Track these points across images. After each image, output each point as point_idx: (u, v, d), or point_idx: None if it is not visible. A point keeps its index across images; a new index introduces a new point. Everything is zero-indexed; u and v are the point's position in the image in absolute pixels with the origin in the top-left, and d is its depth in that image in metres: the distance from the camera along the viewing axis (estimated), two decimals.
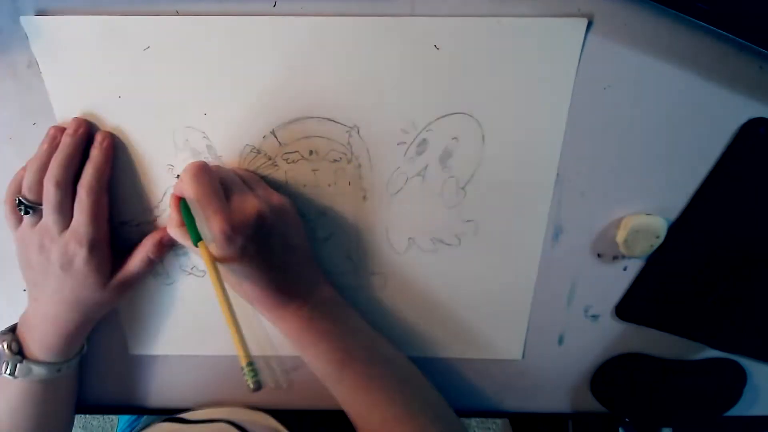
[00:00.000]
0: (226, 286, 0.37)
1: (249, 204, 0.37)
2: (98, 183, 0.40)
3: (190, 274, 0.46)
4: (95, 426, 1.45)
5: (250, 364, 0.34)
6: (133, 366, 0.52)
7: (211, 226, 0.36)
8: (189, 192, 0.36)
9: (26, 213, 0.40)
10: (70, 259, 0.40)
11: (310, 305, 0.42)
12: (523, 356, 0.50)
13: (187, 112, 0.40)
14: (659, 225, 0.42)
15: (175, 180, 0.42)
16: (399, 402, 0.42)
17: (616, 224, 0.44)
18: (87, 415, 1.45)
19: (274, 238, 0.39)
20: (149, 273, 0.45)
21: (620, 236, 0.43)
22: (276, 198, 0.40)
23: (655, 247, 0.43)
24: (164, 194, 0.43)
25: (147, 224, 0.44)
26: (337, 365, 0.42)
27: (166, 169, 0.42)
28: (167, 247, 0.44)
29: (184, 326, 0.49)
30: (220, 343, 0.50)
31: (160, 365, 0.52)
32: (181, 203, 0.39)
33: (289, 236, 0.40)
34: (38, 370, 0.43)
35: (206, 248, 0.36)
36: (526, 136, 0.40)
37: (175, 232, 0.40)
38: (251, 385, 0.33)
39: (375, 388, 0.42)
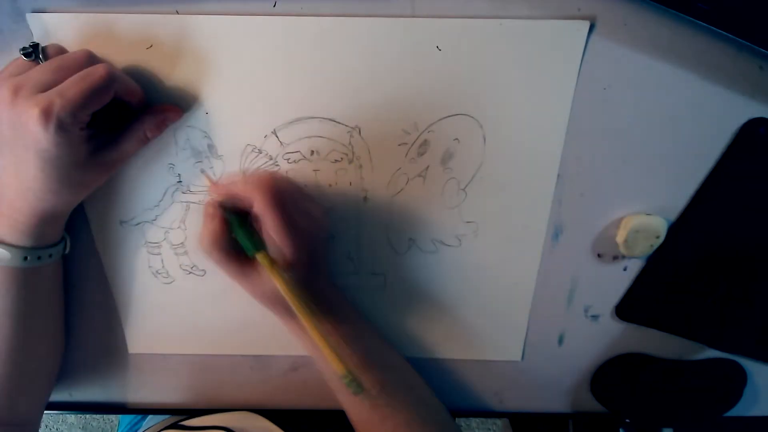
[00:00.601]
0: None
1: (319, 228, 0.40)
2: (116, 79, 0.34)
3: (190, 273, 0.46)
4: (95, 426, 1.45)
5: (350, 373, 0.36)
6: (133, 365, 0.52)
7: (296, 256, 0.37)
8: (270, 218, 0.36)
9: (27, 55, 0.35)
10: (47, 114, 0.32)
11: (326, 309, 0.42)
12: (523, 357, 0.50)
13: (189, 111, 0.40)
14: (659, 225, 0.42)
15: (176, 179, 0.42)
16: (410, 410, 0.42)
17: (616, 224, 0.44)
18: (87, 416, 1.45)
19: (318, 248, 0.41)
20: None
21: (620, 236, 0.43)
22: (321, 210, 0.42)
23: (655, 247, 0.43)
24: (164, 193, 0.43)
25: (147, 223, 0.44)
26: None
27: (167, 168, 0.42)
28: (169, 124, 0.39)
29: (183, 325, 0.49)
30: (220, 343, 0.50)
31: (160, 364, 0.52)
32: (231, 218, 0.38)
33: (324, 246, 0.42)
34: (2, 253, 0.38)
35: (269, 259, 0.37)
36: (527, 137, 0.40)
37: (213, 248, 0.38)
38: (353, 391, 0.37)
39: (389, 393, 0.42)
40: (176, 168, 0.42)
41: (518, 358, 0.50)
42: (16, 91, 0.33)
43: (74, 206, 0.40)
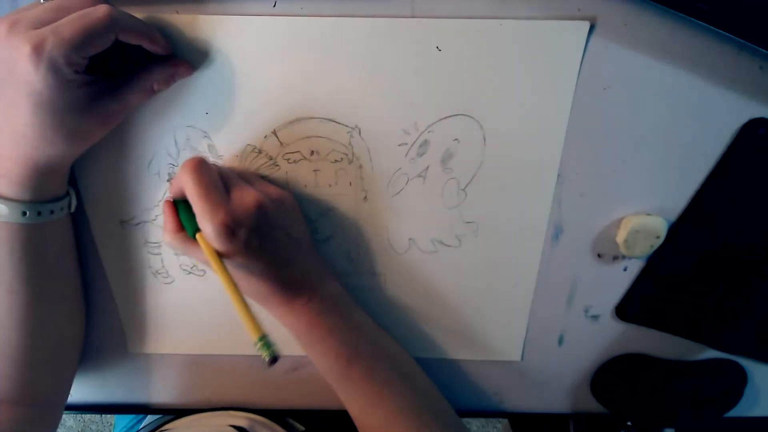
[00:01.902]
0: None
1: (249, 196, 0.37)
2: (119, 23, 0.32)
3: (189, 273, 0.46)
4: (94, 430, 1.45)
5: (263, 337, 0.33)
6: (133, 365, 0.52)
7: (212, 219, 0.34)
8: (188, 186, 0.35)
9: None
10: (39, 51, 0.30)
11: (317, 299, 0.42)
12: (523, 358, 0.50)
13: (189, 111, 0.40)
14: (659, 225, 0.42)
15: (173, 177, 0.42)
16: (403, 397, 0.42)
17: (617, 224, 0.44)
18: (86, 418, 1.44)
19: (276, 230, 0.38)
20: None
21: (620, 236, 0.43)
22: (275, 190, 0.40)
23: (655, 248, 0.43)
24: (164, 193, 0.43)
25: (147, 223, 0.44)
26: (345, 361, 0.42)
27: (167, 168, 0.42)
28: (178, 80, 0.38)
29: (183, 325, 0.49)
30: (220, 343, 0.50)
31: (159, 364, 0.52)
32: (178, 206, 0.39)
33: (291, 228, 0.40)
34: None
35: (204, 239, 0.36)
36: (527, 137, 0.40)
37: (172, 238, 0.38)
38: (266, 358, 0.33)
39: (381, 382, 0.42)
40: (176, 168, 0.42)
41: (518, 358, 0.50)
42: (11, 27, 0.31)
43: (73, 159, 0.38)
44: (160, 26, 0.37)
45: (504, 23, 0.37)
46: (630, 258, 0.45)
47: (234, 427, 0.49)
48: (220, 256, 0.36)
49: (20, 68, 0.31)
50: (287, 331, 0.43)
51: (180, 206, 0.38)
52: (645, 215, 0.43)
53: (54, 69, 0.31)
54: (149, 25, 0.35)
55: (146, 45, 0.35)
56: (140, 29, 0.34)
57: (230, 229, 0.35)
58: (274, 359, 0.33)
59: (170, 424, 0.53)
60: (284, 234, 0.39)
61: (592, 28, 0.37)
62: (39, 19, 0.31)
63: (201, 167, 0.36)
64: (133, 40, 0.34)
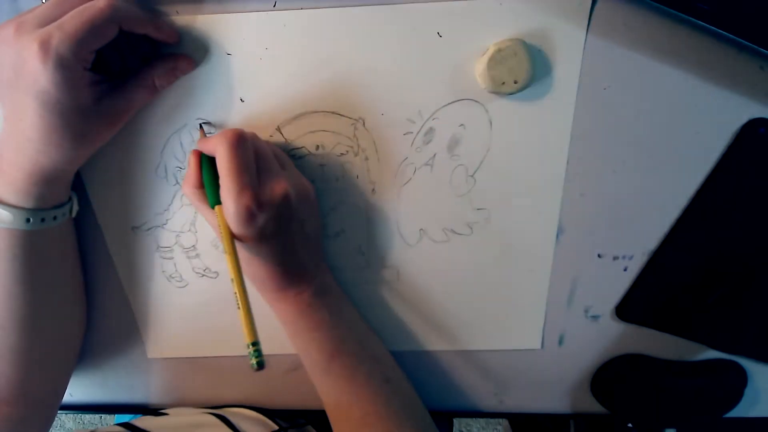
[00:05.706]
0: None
1: (278, 185, 0.34)
2: (121, 12, 0.31)
3: (203, 276, 0.44)
4: None
5: (255, 343, 0.31)
6: (133, 365, 0.50)
7: (237, 201, 0.32)
8: (222, 160, 0.33)
9: None
10: (45, 48, 0.29)
11: (310, 292, 0.40)
12: (542, 345, 0.47)
13: (192, 113, 0.38)
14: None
15: (180, 180, 0.41)
16: (381, 399, 0.40)
17: (618, 224, 0.42)
18: (86, 420, 1.41)
19: (294, 222, 0.36)
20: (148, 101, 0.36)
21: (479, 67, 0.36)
22: (302, 182, 0.37)
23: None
24: (173, 196, 0.41)
25: (159, 228, 0.42)
26: (327, 355, 0.40)
27: (175, 171, 0.40)
28: (180, 75, 0.36)
29: (198, 328, 0.47)
30: (233, 345, 0.48)
31: (160, 364, 0.50)
32: (203, 162, 0.36)
33: (307, 223, 0.38)
34: (3, 214, 0.34)
35: (222, 214, 0.34)
36: (534, 118, 0.38)
37: (191, 192, 0.36)
38: (254, 365, 0.31)
39: (360, 383, 0.40)
40: (184, 171, 0.40)
41: (538, 345, 0.47)
42: (18, 28, 0.30)
43: (78, 166, 0.36)
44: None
45: (504, 2, 0.34)
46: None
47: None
48: (232, 236, 0.34)
49: (28, 67, 0.29)
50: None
51: (205, 163, 0.36)
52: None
53: (61, 65, 0.30)
54: (153, 13, 0.34)
55: (152, 33, 0.33)
56: (143, 17, 0.33)
57: (252, 215, 0.33)
58: (261, 366, 0.31)
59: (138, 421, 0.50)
60: (299, 226, 0.37)
61: (594, 3, 0.35)
62: (43, 17, 0.31)
63: (239, 144, 0.33)
64: (138, 29, 0.32)
